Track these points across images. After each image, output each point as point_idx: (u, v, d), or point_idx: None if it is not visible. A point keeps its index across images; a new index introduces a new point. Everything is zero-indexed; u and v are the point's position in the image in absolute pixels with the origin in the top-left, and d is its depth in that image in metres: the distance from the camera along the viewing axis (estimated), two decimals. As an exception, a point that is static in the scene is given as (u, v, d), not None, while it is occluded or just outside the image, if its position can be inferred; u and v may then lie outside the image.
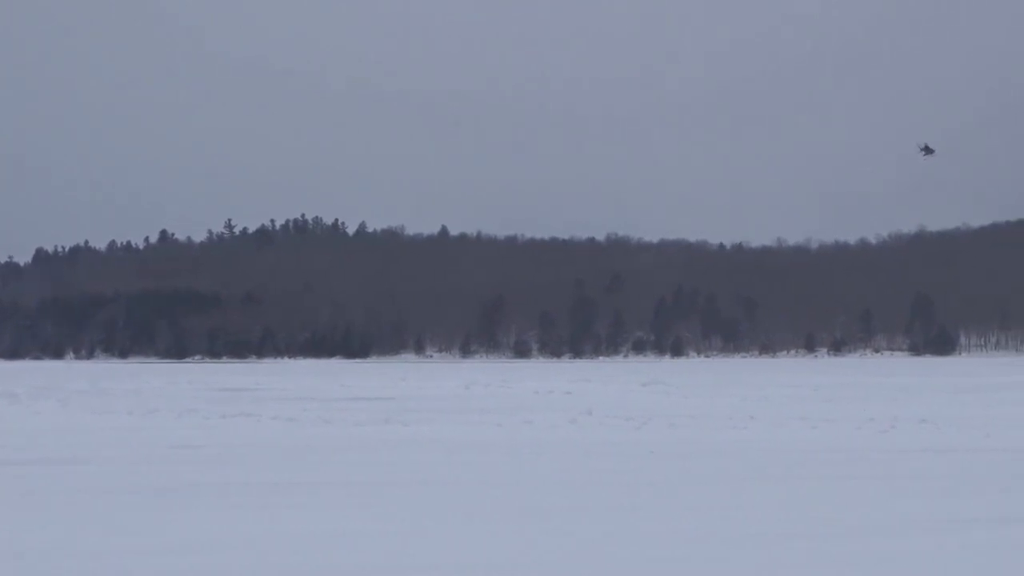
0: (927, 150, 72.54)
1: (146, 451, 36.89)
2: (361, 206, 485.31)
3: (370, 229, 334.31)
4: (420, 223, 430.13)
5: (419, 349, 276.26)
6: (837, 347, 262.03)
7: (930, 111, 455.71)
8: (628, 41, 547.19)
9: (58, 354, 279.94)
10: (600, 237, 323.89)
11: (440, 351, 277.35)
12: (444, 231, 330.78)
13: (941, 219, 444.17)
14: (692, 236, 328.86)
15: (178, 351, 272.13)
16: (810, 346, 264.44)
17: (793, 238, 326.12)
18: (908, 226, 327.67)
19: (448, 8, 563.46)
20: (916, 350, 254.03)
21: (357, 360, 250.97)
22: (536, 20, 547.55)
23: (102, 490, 27.10)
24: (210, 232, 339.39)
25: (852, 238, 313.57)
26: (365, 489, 26.98)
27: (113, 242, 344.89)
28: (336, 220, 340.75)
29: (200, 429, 46.27)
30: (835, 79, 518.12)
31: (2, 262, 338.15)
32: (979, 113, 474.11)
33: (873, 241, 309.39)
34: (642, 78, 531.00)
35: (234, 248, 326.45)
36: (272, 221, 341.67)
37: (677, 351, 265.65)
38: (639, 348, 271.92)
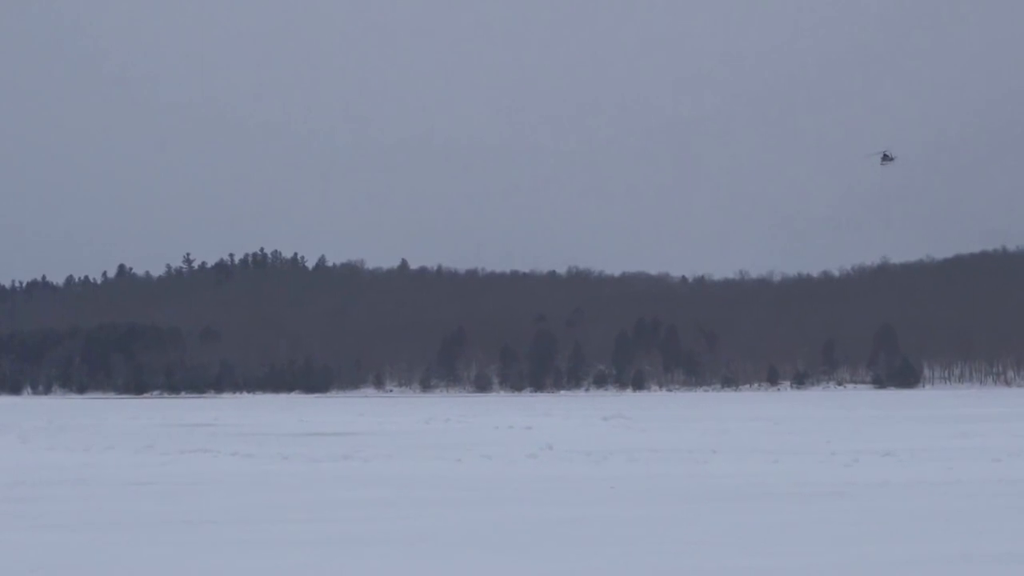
0: (886, 157, 72.90)
1: (102, 488, 36.38)
2: (320, 240, 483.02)
3: (330, 263, 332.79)
4: (380, 257, 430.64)
5: (379, 383, 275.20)
6: (800, 380, 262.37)
7: (892, 143, 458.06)
8: (585, 76, 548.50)
9: (15, 390, 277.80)
10: (561, 270, 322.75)
11: (400, 385, 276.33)
12: (404, 264, 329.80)
13: (904, 251, 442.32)
14: (653, 269, 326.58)
15: (136, 386, 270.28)
16: (773, 379, 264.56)
17: (755, 270, 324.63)
18: (871, 258, 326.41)
19: (405, 49, 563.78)
20: (880, 382, 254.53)
21: (316, 395, 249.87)
22: (496, 57, 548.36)
23: (58, 527, 26.64)
24: (168, 267, 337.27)
25: (815, 270, 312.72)
26: (321, 526, 26.60)
27: (71, 277, 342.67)
28: (295, 254, 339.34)
29: (158, 466, 45.77)
30: (793, 112, 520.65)
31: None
32: (941, 145, 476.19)
33: (836, 273, 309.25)
34: (603, 111, 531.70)
35: (192, 282, 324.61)
36: (231, 255, 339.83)
37: (639, 384, 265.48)
38: (600, 382, 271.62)
